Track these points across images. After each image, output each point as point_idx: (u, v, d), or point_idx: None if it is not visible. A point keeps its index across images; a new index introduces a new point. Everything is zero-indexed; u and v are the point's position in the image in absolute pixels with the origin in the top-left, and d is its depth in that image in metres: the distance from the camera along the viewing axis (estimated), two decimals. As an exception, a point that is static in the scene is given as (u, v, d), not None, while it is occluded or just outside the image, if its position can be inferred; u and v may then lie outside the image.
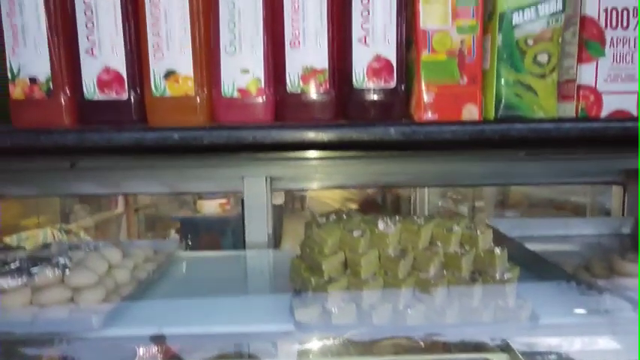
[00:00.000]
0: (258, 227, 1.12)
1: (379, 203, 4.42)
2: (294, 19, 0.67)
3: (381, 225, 0.73)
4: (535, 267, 0.84)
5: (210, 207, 3.71)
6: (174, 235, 4.44)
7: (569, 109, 0.65)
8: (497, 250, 0.70)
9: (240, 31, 0.67)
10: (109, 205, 3.94)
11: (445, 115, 0.66)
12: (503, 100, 0.64)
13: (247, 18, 0.67)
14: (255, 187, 1.10)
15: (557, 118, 0.64)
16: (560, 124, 0.61)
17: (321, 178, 1.12)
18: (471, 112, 0.66)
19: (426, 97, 0.65)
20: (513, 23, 0.63)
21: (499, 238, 0.81)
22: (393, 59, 0.66)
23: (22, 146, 0.65)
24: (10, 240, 2.29)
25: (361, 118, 0.68)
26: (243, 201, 1.12)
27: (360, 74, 0.66)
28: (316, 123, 0.67)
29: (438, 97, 0.65)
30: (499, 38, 0.63)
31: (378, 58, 0.66)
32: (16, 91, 0.68)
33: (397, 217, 0.78)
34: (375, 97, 0.67)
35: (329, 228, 0.75)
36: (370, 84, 0.66)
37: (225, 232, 3.59)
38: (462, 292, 0.68)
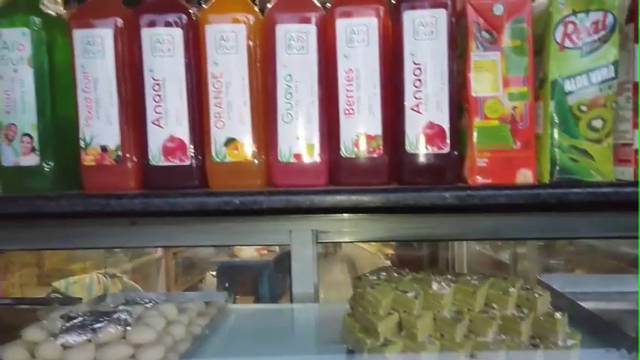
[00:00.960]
0: (304, 280, 1.13)
1: (415, 247, 4.36)
2: (349, 89, 0.70)
3: (434, 285, 0.73)
4: (594, 328, 0.81)
5: (247, 251, 3.74)
6: (210, 277, 4.48)
7: (627, 173, 0.65)
8: (558, 315, 0.68)
9: (297, 102, 0.70)
10: (147, 249, 4.03)
11: (499, 178, 0.67)
12: (558, 165, 0.65)
13: (303, 89, 0.70)
14: (302, 240, 1.11)
15: (616, 182, 0.64)
16: (620, 188, 0.61)
17: (367, 232, 1.12)
18: (525, 175, 0.66)
19: (479, 162, 0.67)
20: (565, 90, 0.64)
21: (553, 295, 0.80)
22: (445, 125, 0.68)
23: (94, 211, 0.69)
24: (59, 284, 2.37)
25: (415, 182, 0.69)
26: (290, 254, 1.14)
27: (413, 140, 0.68)
28: (370, 187, 0.69)
29: (491, 162, 0.67)
30: (552, 105, 0.65)
31: (430, 124, 0.68)
32: (88, 159, 0.72)
33: (450, 277, 0.78)
34: (428, 161, 0.69)
35: (382, 288, 0.75)
36: (423, 149, 0.68)
37: (262, 277, 3.60)
38: (522, 359, 0.67)
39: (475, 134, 0.67)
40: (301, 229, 1.11)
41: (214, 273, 4.21)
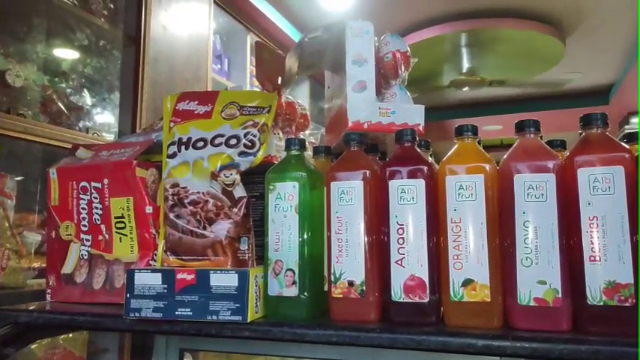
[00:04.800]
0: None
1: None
2: (593, 236, 0.70)
3: None
4: None
5: None
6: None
7: None
8: None
9: (537, 247, 0.72)
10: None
11: None
12: None
13: (543, 235, 0.72)
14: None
15: None
16: None
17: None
18: None
19: None
20: None
21: None
22: None
23: (344, 342, 0.77)
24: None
25: (678, 337, 0.64)
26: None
27: (674, 292, 0.65)
28: (625, 339, 0.66)
29: None
30: None
31: (695, 277, 0.64)
32: (336, 291, 0.82)
33: None
34: (694, 316, 0.64)
35: None
36: (688, 303, 0.64)
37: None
38: None
39: None
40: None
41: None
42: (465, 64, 4.71)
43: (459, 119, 6.15)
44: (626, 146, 0.72)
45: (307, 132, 1.35)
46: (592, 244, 0.70)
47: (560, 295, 0.71)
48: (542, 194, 0.73)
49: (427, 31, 4.27)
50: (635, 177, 0.69)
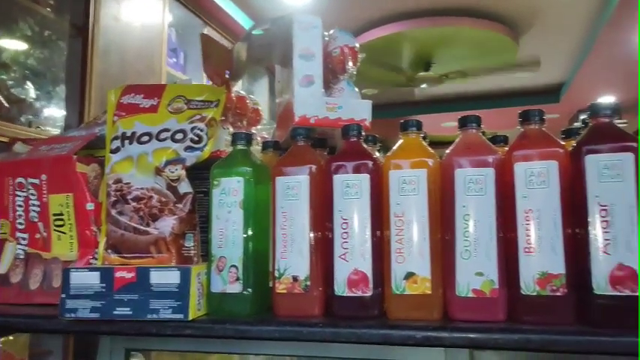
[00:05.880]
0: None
1: None
2: (528, 228, 0.72)
3: None
4: None
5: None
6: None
7: None
8: None
9: (475, 239, 0.74)
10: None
11: None
12: None
13: (481, 228, 0.74)
14: (461, 362, 1.09)
15: None
16: None
17: (525, 356, 1.07)
18: None
19: (681, 309, 0.63)
20: None
21: None
22: (637, 267, 0.66)
23: (288, 337, 0.76)
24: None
25: (602, 325, 0.67)
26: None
27: (601, 282, 0.67)
28: (557, 327, 0.68)
29: (696, 309, 0.63)
30: None
31: (620, 266, 0.67)
32: (280, 287, 0.81)
33: None
34: (617, 304, 0.66)
35: None
36: (613, 291, 0.67)
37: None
38: None
39: (674, 279, 0.64)
40: (457, 349, 1.09)
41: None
42: (423, 62, 4.79)
43: (418, 115, 6.24)
44: (562, 142, 0.74)
45: (260, 127, 1.34)
46: (527, 236, 0.72)
47: (496, 286, 0.73)
48: (482, 188, 0.74)
49: (386, 27, 4.31)
50: (569, 171, 0.72)
